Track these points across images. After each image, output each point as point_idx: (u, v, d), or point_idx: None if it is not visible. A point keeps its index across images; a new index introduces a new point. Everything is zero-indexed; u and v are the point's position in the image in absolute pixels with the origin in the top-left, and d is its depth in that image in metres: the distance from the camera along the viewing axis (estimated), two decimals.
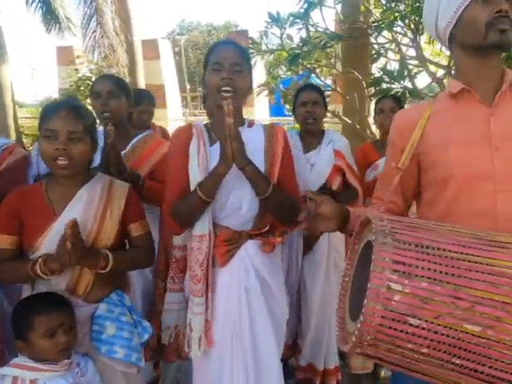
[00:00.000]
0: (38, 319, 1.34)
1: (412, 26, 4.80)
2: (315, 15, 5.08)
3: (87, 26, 6.52)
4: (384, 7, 4.80)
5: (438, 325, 0.85)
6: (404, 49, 5.21)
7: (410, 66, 5.28)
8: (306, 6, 4.64)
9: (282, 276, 1.67)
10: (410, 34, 4.86)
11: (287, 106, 5.48)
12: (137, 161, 1.92)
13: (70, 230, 1.26)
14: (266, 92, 5.47)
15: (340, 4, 4.67)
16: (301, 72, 5.26)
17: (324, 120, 2.45)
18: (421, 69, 4.98)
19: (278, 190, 1.47)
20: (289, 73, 5.52)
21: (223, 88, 1.41)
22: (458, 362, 0.87)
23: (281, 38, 4.78)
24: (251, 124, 1.59)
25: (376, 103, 2.75)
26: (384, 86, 4.48)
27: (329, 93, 5.52)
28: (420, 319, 0.85)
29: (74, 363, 1.42)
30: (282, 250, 2.22)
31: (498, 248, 0.92)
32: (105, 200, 1.48)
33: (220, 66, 1.42)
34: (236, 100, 1.42)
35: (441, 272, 0.87)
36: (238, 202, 1.48)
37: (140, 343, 1.56)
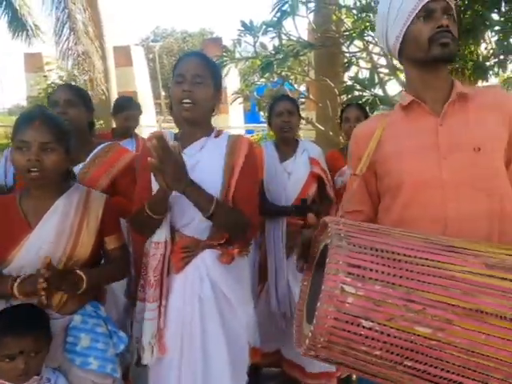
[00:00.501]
0: None
1: None
2: (288, 24, 5.15)
3: (60, 32, 6.41)
4: (355, 17, 4.91)
5: (391, 327, 0.86)
6: (376, 57, 5.33)
7: (382, 75, 5.41)
8: (278, 14, 4.70)
9: (245, 289, 1.65)
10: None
11: (261, 113, 5.52)
12: (97, 171, 1.88)
13: (45, 270, 1.29)
14: (240, 99, 5.49)
15: (312, 13, 4.75)
16: (275, 79, 5.31)
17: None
18: (391, 77, 5.11)
19: (224, 207, 1.45)
20: (263, 80, 5.56)
21: (183, 100, 1.43)
22: (409, 364, 0.88)
23: (254, 46, 4.82)
24: (218, 134, 1.59)
25: (341, 111, 2.80)
26: (356, 93, 4.57)
27: (303, 100, 5.59)
28: (373, 321, 0.86)
29: (44, 378, 1.39)
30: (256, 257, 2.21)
31: (449, 252, 0.94)
32: (81, 212, 1.48)
33: (182, 78, 1.44)
34: (196, 111, 1.45)
35: (394, 275, 0.88)
36: (193, 212, 1.47)
37: (115, 354, 1.55)
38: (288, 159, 2.32)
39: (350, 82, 4.50)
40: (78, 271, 1.42)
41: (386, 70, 5.16)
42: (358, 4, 5.07)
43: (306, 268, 1.15)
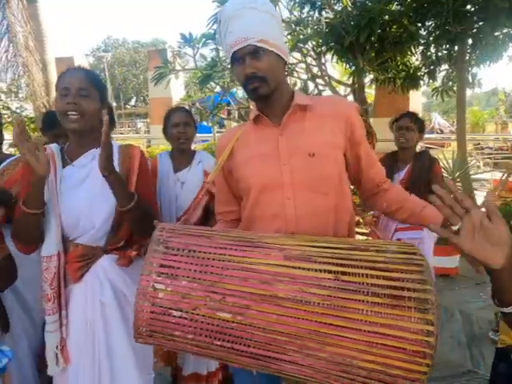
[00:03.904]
0: None
1: (315, 48, 5.18)
2: None
3: None
4: (291, 30, 5.14)
5: (197, 314, 1.04)
6: (315, 69, 5.58)
7: (320, 86, 5.65)
8: (215, 26, 4.88)
9: None
10: (313, 54, 5.23)
11: (204, 123, 5.68)
12: (3, 185, 1.83)
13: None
14: None
15: None
16: (216, 89, 5.48)
17: None
18: (326, 87, 5.36)
19: (140, 203, 1.50)
20: (207, 90, 5.72)
21: (69, 112, 1.47)
22: (218, 343, 1.06)
23: (194, 57, 4.97)
24: None
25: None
26: None
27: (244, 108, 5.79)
28: (181, 311, 1.04)
29: None
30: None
31: (252, 248, 1.12)
32: None
33: (67, 91, 1.48)
34: (83, 123, 1.50)
35: (200, 271, 1.06)
36: (91, 222, 1.52)
37: None
38: (182, 169, 2.40)
39: None
40: None
41: (322, 82, 5.42)
42: (293, 18, 5.33)
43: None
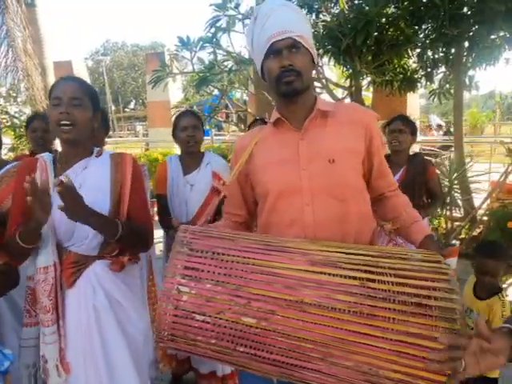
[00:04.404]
0: None
1: None
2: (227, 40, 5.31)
3: None
4: None
5: (220, 319, 1.02)
6: (313, 72, 5.58)
7: (318, 89, 5.67)
8: (213, 30, 4.87)
9: (137, 296, 1.69)
10: None
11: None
12: (4, 191, 1.86)
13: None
14: None
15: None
16: (214, 92, 5.48)
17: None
18: (323, 90, 5.37)
19: (128, 227, 1.48)
20: (205, 93, 5.71)
21: (61, 122, 1.45)
22: (241, 349, 1.04)
23: (191, 61, 4.96)
24: (100, 153, 1.61)
25: (249, 126, 3.00)
26: None
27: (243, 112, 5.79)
28: (204, 315, 1.01)
29: None
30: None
31: (276, 252, 1.10)
32: None
33: (59, 100, 1.47)
34: (75, 133, 1.48)
35: (225, 274, 1.04)
36: (85, 231, 1.49)
37: (0, 372, 1.49)
38: (192, 172, 2.40)
39: None
40: None
41: (320, 85, 5.43)
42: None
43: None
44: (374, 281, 1.05)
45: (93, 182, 1.51)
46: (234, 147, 1.56)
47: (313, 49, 1.36)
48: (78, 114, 1.48)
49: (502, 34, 4.83)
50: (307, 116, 1.39)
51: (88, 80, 12.45)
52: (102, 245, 1.54)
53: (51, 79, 6.41)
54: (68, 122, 1.46)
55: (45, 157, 1.59)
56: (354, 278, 1.06)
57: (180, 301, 1.01)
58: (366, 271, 1.07)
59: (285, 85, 1.32)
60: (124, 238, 1.46)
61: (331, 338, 1.01)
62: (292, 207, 1.34)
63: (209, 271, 1.04)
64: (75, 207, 1.34)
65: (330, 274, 1.07)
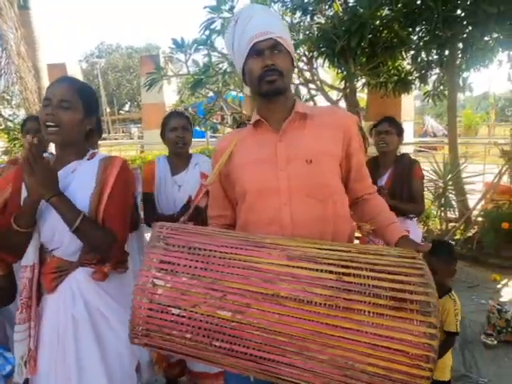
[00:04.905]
0: None
1: (306, 53, 5.21)
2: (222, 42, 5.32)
3: None
4: None
5: (196, 312, 1.01)
6: (307, 73, 5.61)
7: (312, 91, 5.68)
8: (207, 32, 4.88)
9: (129, 307, 1.66)
10: (305, 59, 5.25)
11: (197, 128, 5.68)
12: None
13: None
14: None
15: None
16: (209, 94, 5.48)
17: None
18: (318, 92, 5.38)
19: (91, 223, 1.46)
20: (200, 95, 5.72)
21: (47, 123, 1.46)
22: (217, 344, 1.03)
23: (186, 63, 4.97)
24: (92, 156, 1.60)
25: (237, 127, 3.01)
26: None
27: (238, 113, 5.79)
28: (180, 308, 1.01)
29: None
30: None
31: (254, 247, 1.10)
32: None
33: (49, 101, 1.47)
34: (61, 135, 1.48)
35: (201, 268, 1.04)
36: (62, 236, 1.49)
37: (2, 375, 1.54)
38: (180, 173, 2.40)
39: None
40: None
41: (314, 86, 5.44)
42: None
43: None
44: (349, 275, 1.05)
45: (77, 185, 1.50)
46: (215, 149, 1.57)
47: (293, 52, 1.39)
48: (65, 116, 1.47)
49: (495, 35, 4.85)
50: (286, 118, 1.40)
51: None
52: (81, 251, 1.53)
53: (45, 82, 6.42)
54: (53, 124, 1.45)
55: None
56: (331, 272, 1.06)
57: (155, 294, 1.01)
58: (342, 266, 1.07)
59: (267, 84, 1.33)
60: (82, 231, 1.43)
61: (307, 331, 1.01)
62: (270, 206, 1.36)
63: (185, 265, 1.04)
64: (44, 178, 1.35)
65: (307, 269, 1.07)
